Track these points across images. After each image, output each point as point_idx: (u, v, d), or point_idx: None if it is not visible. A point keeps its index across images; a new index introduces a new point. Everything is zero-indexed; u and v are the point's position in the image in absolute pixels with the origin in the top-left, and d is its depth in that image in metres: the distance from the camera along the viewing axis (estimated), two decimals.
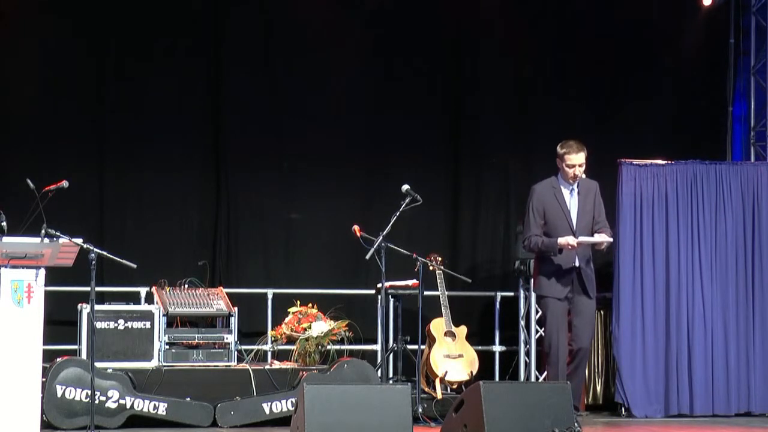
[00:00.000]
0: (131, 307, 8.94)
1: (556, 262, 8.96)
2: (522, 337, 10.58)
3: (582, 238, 8.88)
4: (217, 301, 9.05)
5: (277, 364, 9.11)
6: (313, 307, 9.34)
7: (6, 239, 7.27)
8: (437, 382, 9.24)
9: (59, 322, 9.32)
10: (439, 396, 9.18)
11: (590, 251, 9.08)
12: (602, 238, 8.96)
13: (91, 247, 7.38)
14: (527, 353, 10.53)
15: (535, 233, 8.98)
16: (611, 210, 9.88)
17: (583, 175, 9.08)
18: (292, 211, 10.71)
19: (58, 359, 8.37)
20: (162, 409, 8.39)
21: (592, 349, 10.20)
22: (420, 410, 8.77)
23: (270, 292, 10.15)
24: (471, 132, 11.07)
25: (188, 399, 8.48)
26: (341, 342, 9.30)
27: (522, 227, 10.04)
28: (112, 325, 8.70)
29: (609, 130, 11.15)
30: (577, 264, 8.96)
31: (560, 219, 8.98)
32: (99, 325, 8.57)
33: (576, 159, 8.95)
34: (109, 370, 8.36)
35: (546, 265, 9.00)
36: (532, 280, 9.57)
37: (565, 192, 9.03)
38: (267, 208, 10.64)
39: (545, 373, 9.27)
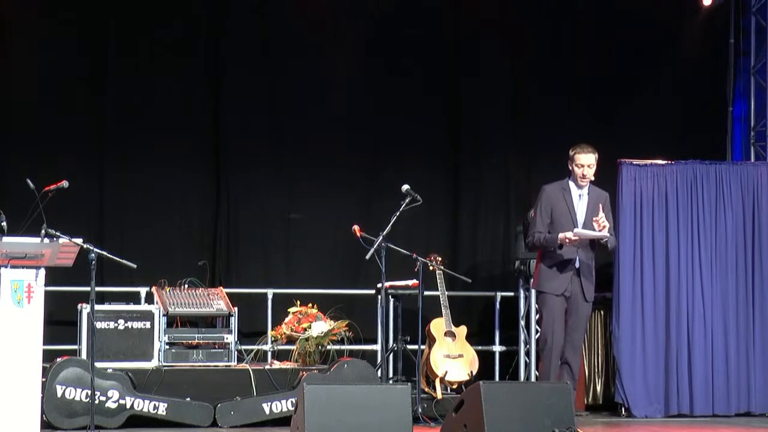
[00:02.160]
0: (131, 307, 8.94)
1: (556, 260, 8.96)
2: (522, 337, 10.58)
3: (579, 230, 8.87)
4: (217, 301, 9.05)
5: (277, 364, 9.11)
6: (313, 307, 9.34)
7: (6, 239, 7.27)
8: (437, 382, 9.24)
9: (59, 322, 9.33)
10: (439, 396, 9.18)
11: (593, 256, 9.04)
12: (602, 233, 8.91)
13: (91, 247, 7.38)
14: (527, 353, 10.53)
15: (539, 230, 9.00)
16: (611, 210, 9.88)
17: (592, 178, 9.05)
18: (292, 211, 10.71)
19: (58, 359, 8.37)
20: (162, 409, 8.40)
21: (592, 349, 10.22)
22: (420, 410, 8.78)
23: (270, 292, 10.14)
24: (471, 132, 11.07)
25: (188, 399, 8.48)
26: (341, 342, 9.30)
27: (522, 227, 10.06)
28: (112, 325, 8.70)
29: (609, 130, 11.14)
30: (577, 265, 8.96)
31: (566, 220, 8.97)
32: (99, 325, 8.57)
33: (585, 159, 8.95)
34: (109, 370, 8.36)
35: (546, 262, 9.01)
36: (532, 280, 9.58)
37: (574, 195, 9.03)
38: (267, 208, 10.64)
39: None
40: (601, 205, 8.98)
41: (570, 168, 9.07)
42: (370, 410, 6.76)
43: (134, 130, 10.31)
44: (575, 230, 8.85)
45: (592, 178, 9.05)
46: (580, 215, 8.99)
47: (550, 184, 9.15)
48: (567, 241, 8.85)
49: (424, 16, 10.97)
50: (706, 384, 9.80)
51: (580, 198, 9.03)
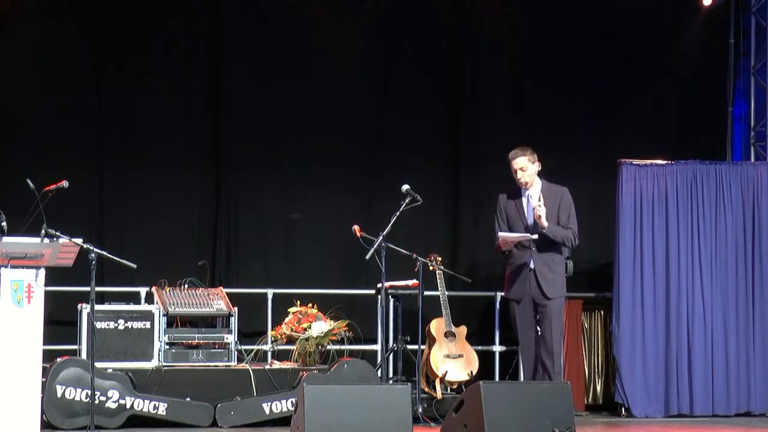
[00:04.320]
0: (131, 307, 8.94)
1: (514, 265, 9.05)
2: None
3: (501, 233, 8.97)
4: (217, 301, 9.05)
5: (277, 364, 9.11)
6: (313, 307, 9.34)
7: (6, 239, 7.28)
8: (437, 382, 9.24)
9: (59, 322, 9.32)
10: (439, 396, 9.19)
11: (554, 254, 9.00)
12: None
13: (91, 247, 7.39)
14: None
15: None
16: (611, 210, 9.90)
17: (527, 179, 8.99)
18: (292, 211, 10.70)
19: (58, 359, 8.38)
20: (162, 409, 8.40)
21: (592, 349, 10.21)
22: (420, 410, 8.79)
23: (270, 292, 10.13)
24: (471, 132, 11.06)
25: (188, 399, 8.48)
26: (341, 342, 9.29)
27: None
28: (112, 325, 8.70)
29: (609, 130, 11.15)
30: (532, 265, 8.96)
31: (517, 223, 9.05)
32: (99, 325, 8.57)
33: (514, 164, 9.03)
34: (109, 370, 8.37)
35: (508, 269, 9.16)
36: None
37: (524, 197, 9.07)
38: (267, 208, 10.63)
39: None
40: (557, 202, 8.99)
41: None
42: (370, 410, 6.76)
43: (134, 129, 10.31)
44: (499, 233, 8.93)
45: (527, 179, 8.99)
46: (530, 216, 9.00)
47: (506, 190, 9.19)
48: (500, 244, 8.95)
49: (424, 15, 10.96)
50: (706, 384, 9.80)
51: (529, 199, 9.03)
